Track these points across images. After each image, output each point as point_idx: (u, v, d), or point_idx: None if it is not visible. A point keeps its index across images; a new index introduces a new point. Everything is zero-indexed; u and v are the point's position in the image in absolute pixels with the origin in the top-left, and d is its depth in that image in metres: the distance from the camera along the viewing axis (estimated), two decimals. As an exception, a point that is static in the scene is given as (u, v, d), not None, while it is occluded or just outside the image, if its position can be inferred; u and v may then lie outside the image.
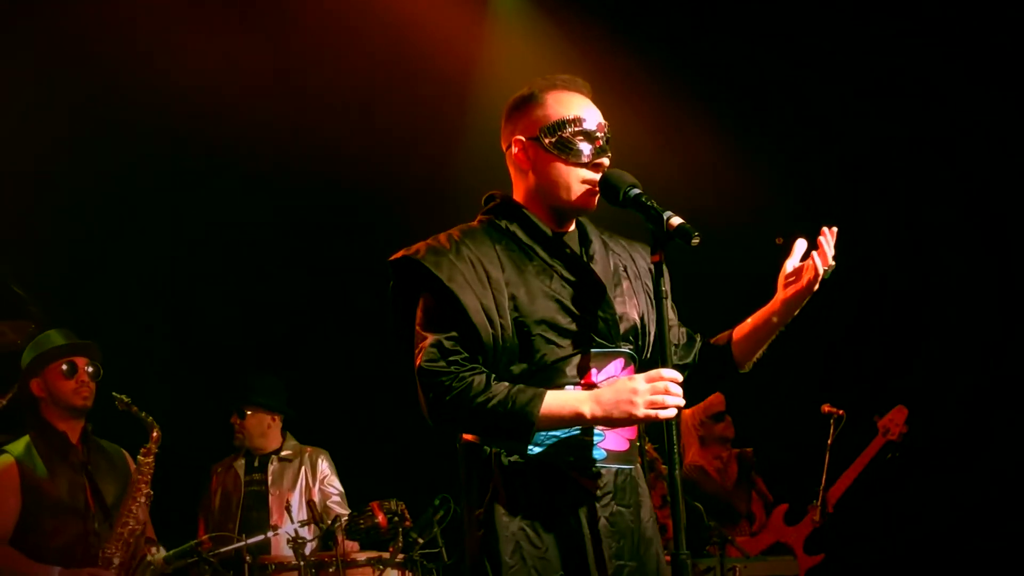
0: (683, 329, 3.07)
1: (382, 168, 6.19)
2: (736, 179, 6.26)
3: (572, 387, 2.71)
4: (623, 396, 2.60)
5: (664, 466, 5.21)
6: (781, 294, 2.91)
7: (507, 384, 2.63)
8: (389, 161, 6.21)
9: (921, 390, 5.90)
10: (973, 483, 6.01)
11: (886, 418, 5.64)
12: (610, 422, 2.64)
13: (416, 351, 2.70)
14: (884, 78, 6.26)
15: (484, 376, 2.64)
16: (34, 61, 5.59)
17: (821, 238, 2.86)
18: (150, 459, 4.62)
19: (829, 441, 5.56)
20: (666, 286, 2.65)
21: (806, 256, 2.90)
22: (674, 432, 2.57)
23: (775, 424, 6.03)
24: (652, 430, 3.03)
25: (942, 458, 6.04)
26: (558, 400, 2.63)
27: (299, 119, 6.10)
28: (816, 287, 2.87)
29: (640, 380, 2.61)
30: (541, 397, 2.61)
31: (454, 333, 2.67)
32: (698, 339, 3.07)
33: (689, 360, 3.03)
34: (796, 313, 2.93)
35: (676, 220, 2.65)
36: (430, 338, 2.68)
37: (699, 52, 6.28)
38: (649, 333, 2.88)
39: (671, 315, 2.91)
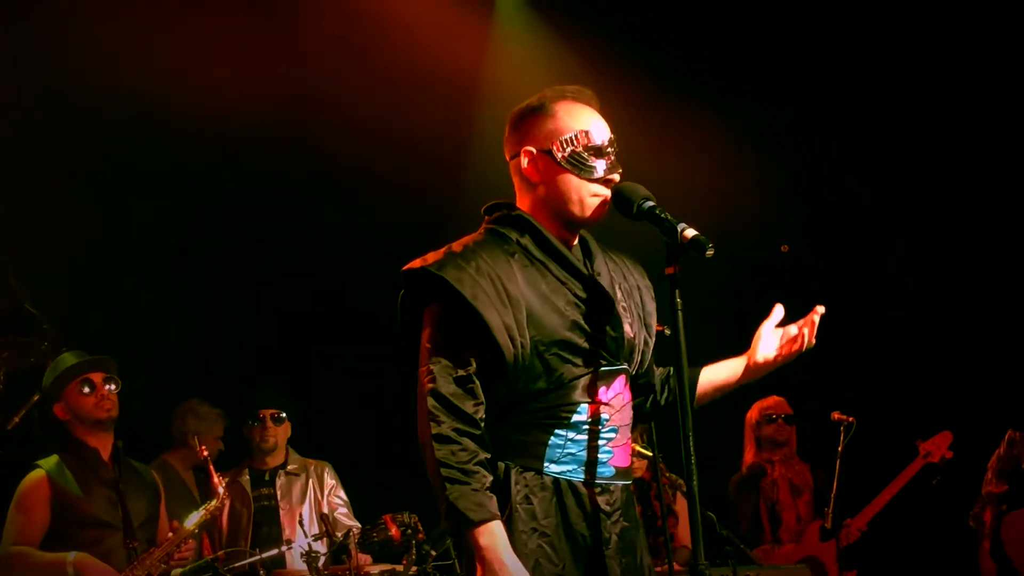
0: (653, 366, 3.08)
1: (387, 175, 6.20)
2: (740, 185, 6.28)
3: (585, 405, 2.72)
4: None
5: (674, 479, 5.30)
6: (752, 358, 2.97)
7: (481, 476, 2.60)
8: (393, 168, 6.22)
9: (967, 413, 5.93)
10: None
11: (929, 442, 5.69)
12: None
13: (425, 369, 2.68)
14: (892, 77, 6.30)
15: (478, 448, 2.62)
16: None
17: (814, 316, 2.91)
18: (207, 517, 4.67)
19: (839, 448, 5.59)
20: (679, 299, 2.66)
21: (784, 323, 2.96)
22: (691, 443, 2.58)
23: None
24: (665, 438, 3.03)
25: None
26: (490, 538, 2.58)
27: (302, 127, 6.11)
28: (791, 360, 2.95)
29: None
30: (487, 523, 2.58)
31: (471, 357, 2.67)
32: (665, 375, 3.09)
33: (654, 381, 3.06)
34: (760, 378, 3.00)
35: (690, 232, 2.66)
36: (445, 361, 2.66)
37: (704, 57, 6.31)
38: (639, 351, 2.90)
39: (666, 332, 2.94)
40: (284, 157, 6.19)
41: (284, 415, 5.70)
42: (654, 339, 2.99)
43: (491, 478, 2.63)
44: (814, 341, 2.91)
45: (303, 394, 5.96)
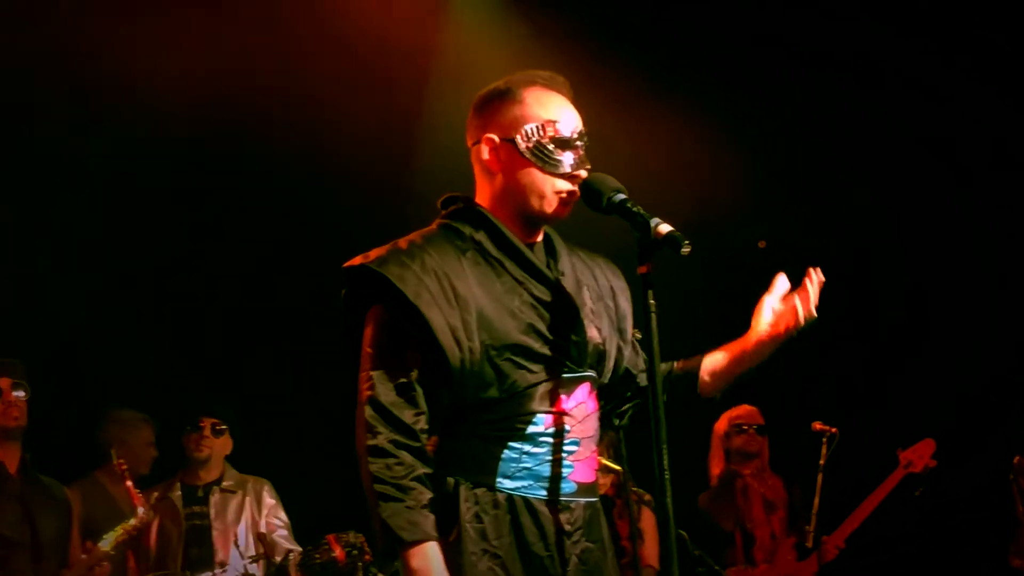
0: (643, 355, 3.01)
1: (333, 166, 6.13)
2: (716, 178, 6.28)
3: (542, 415, 2.67)
4: None
5: (640, 493, 5.25)
6: (756, 335, 2.89)
7: (418, 492, 2.56)
8: (340, 159, 6.13)
9: (951, 420, 5.94)
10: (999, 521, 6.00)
11: (910, 450, 5.63)
12: None
13: (364, 375, 2.64)
14: (877, 71, 6.33)
15: (416, 462, 2.58)
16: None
17: (807, 281, 2.83)
18: (124, 537, 4.58)
19: (821, 461, 5.55)
20: (653, 300, 2.59)
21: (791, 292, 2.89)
22: (664, 457, 2.52)
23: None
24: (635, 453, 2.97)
25: (968, 494, 6.03)
26: (422, 561, 2.55)
27: (238, 115, 6.00)
28: (794, 334, 2.85)
29: None
30: (421, 544, 2.55)
31: (413, 362, 2.62)
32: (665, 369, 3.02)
33: (635, 388, 2.99)
34: (769, 355, 2.90)
35: (664, 228, 2.60)
36: (385, 366, 2.62)
37: (681, 42, 6.32)
38: (610, 358, 2.84)
39: (631, 339, 2.91)
40: (218, 145, 6.08)
41: (226, 428, 5.62)
42: (630, 344, 2.93)
43: (430, 495, 2.58)
44: (814, 312, 2.82)
45: (239, 403, 5.86)
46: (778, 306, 2.87)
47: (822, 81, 6.36)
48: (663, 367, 2.83)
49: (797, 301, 2.82)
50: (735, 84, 6.38)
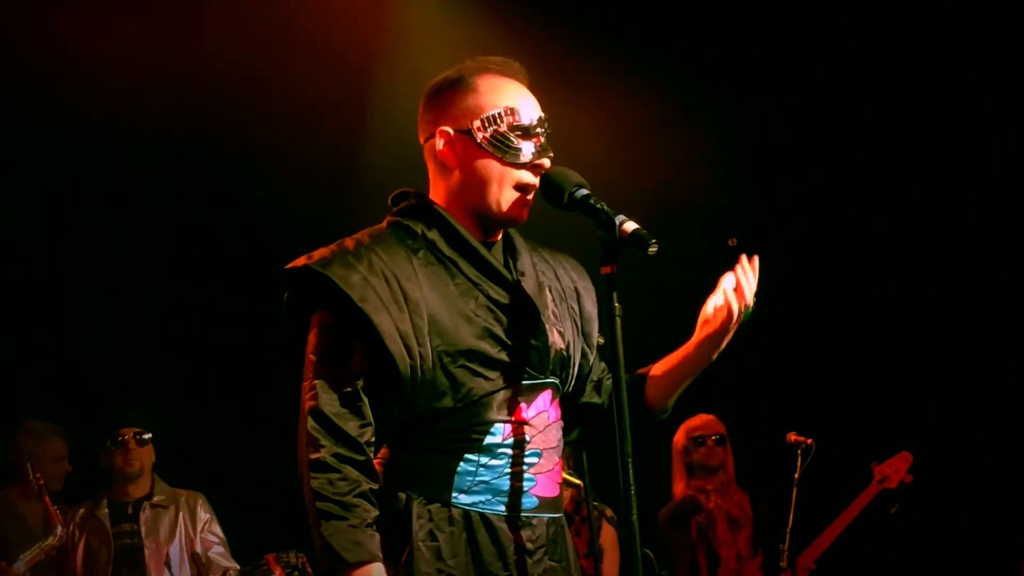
0: (602, 364, 2.99)
1: (272, 162, 6.09)
2: (684, 171, 6.25)
3: (500, 425, 2.65)
4: None
5: (601, 507, 5.22)
6: (696, 335, 2.85)
7: (362, 510, 2.54)
8: (279, 155, 6.10)
9: (928, 431, 5.93)
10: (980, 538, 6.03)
11: (885, 464, 5.62)
12: None
13: (306, 385, 2.61)
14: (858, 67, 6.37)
15: (361, 477, 2.55)
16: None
17: (738, 270, 2.78)
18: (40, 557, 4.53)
19: (796, 475, 5.53)
20: (617, 303, 2.57)
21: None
22: (630, 471, 2.51)
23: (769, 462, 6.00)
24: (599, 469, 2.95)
25: (946, 511, 6.04)
26: None
27: (173, 110, 5.98)
28: (733, 329, 2.80)
29: None
30: (364, 566, 2.52)
31: (359, 370, 2.59)
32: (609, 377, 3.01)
33: (600, 400, 2.96)
34: (715, 357, 2.85)
35: (630, 225, 2.59)
36: (329, 375, 2.59)
37: (636, 25, 6.31)
38: (574, 364, 2.83)
39: (596, 344, 2.88)
40: (146, 137, 6.04)
41: (148, 436, 5.55)
42: (595, 349, 2.90)
43: (375, 512, 2.56)
44: (750, 303, 2.76)
45: (169, 413, 5.81)
46: (719, 302, 2.82)
47: (786, 49, 6.38)
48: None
49: (729, 293, 2.77)
50: (698, 66, 6.39)
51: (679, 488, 5.90)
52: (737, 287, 2.77)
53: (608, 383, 2.95)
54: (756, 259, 2.80)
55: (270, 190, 6.22)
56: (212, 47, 5.86)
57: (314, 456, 2.54)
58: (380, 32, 6.13)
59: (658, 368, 2.93)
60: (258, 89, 6.01)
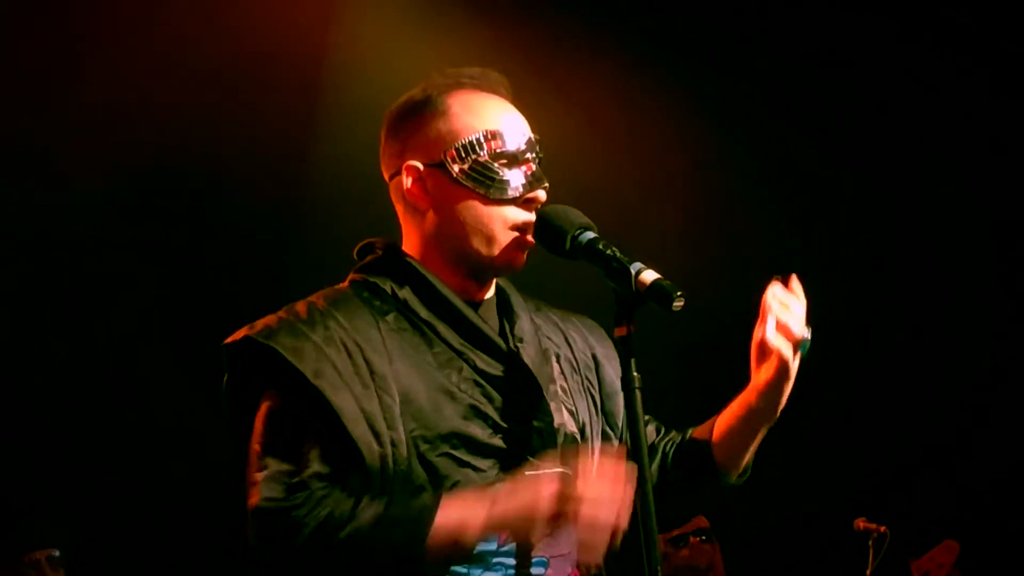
0: (651, 426, 2.97)
1: (204, 197, 6.10)
2: (711, 195, 6.29)
3: None
4: (526, 502, 2.48)
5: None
6: (754, 380, 2.78)
7: (364, 502, 2.49)
8: (213, 185, 6.08)
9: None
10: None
11: (925, 558, 5.60)
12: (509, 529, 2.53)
13: (250, 482, 2.55)
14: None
15: (351, 501, 2.49)
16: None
17: (773, 303, 2.67)
18: None
19: (868, 572, 5.44)
20: (636, 372, 2.52)
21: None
22: (655, 555, 2.47)
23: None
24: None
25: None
26: (450, 515, 2.49)
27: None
28: (794, 372, 2.72)
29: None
30: (431, 511, 2.48)
31: (313, 460, 2.51)
32: (671, 440, 2.98)
33: (658, 467, 2.95)
34: (783, 403, 2.78)
35: (649, 276, 2.54)
36: (272, 467, 2.53)
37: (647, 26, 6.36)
38: (592, 451, 2.78)
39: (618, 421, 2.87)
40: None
41: (57, 554, 5.49)
42: (619, 430, 2.85)
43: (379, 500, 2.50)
44: (805, 332, 2.66)
45: (79, 522, 5.80)
46: (771, 333, 2.72)
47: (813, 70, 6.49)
48: (673, 436, 2.92)
49: (773, 339, 2.66)
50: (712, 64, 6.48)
51: None
52: (779, 325, 2.68)
53: (660, 445, 2.95)
54: (794, 279, 2.72)
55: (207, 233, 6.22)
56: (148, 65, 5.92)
57: (283, 537, 2.47)
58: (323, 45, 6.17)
59: (720, 425, 2.88)
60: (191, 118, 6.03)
